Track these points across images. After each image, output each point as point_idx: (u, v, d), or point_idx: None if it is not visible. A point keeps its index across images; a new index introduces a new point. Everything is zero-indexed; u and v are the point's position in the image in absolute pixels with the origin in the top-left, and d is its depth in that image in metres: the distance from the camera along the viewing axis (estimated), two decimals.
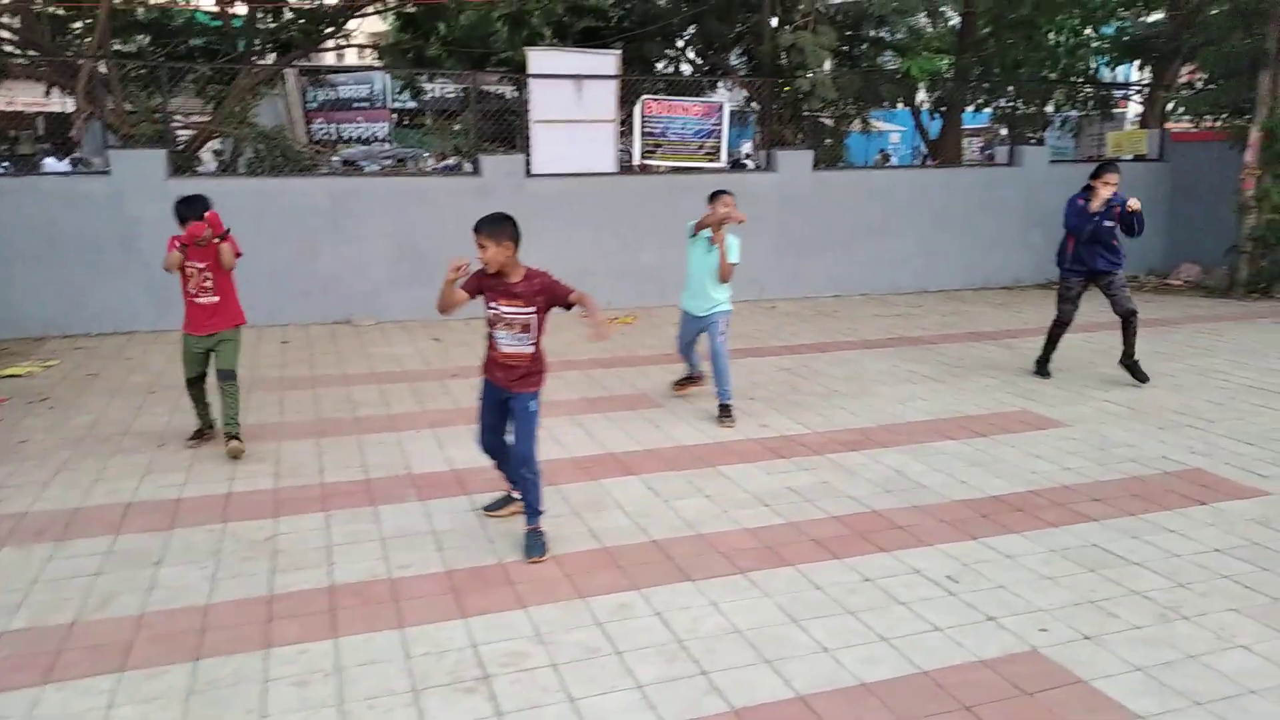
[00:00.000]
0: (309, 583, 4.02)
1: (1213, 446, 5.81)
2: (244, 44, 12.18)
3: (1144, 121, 14.96)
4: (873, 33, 13.49)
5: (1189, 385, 7.31)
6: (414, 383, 7.44)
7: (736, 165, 16.61)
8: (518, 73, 10.90)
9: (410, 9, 14.38)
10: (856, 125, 16.49)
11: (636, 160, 11.21)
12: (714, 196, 6.32)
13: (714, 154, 11.55)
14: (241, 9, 12.75)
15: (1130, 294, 7.41)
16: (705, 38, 14.16)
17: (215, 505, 4.89)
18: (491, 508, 4.80)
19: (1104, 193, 7.05)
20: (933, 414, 6.57)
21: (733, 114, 15.06)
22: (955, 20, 14.92)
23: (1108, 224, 7.17)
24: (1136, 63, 15.49)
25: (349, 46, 15.24)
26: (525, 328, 4.25)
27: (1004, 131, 14.70)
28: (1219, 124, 12.47)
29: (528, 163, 10.50)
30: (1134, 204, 7.08)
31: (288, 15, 13.58)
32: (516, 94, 12.24)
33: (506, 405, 4.38)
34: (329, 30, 13.24)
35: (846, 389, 7.28)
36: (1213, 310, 10.72)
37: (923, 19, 14.08)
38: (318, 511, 4.82)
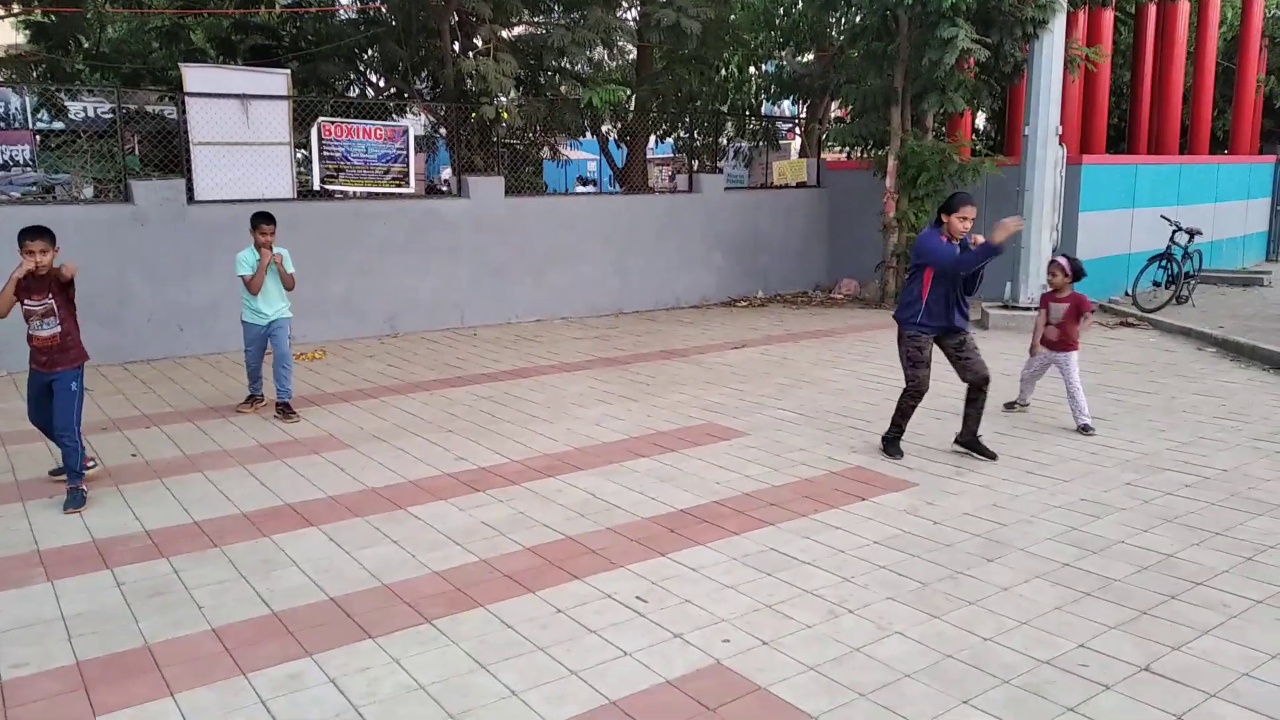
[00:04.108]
0: None
1: (870, 444, 6.37)
2: None
3: (803, 151, 16.48)
4: (554, 63, 13.77)
5: (850, 389, 8.01)
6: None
7: (433, 191, 16.27)
8: (177, 91, 9.92)
9: (41, 18, 12.69)
10: (546, 153, 16.77)
11: (317, 185, 10.58)
12: (257, 224, 6.94)
13: (401, 179, 11.18)
14: None
15: (983, 358, 6.03)
16: (387, 61, 13.73)
17: None
18: (56, 472, 5.58)
19: (959, 229, 5.70)
20: (626, 433, 6.68)
21: (422, 139, 14.76)
22: (633, 54, 15.60)
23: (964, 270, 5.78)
24: (793, 98, 17.00)
25: None
26: (50, 312, 5.18)
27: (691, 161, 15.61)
28: (863, 154, 13.96)
29: (190, 188, 9.56)
30: (1008, 227, 5.53)
31: None
32: (179, 115, 11.15)
33: (50, 388, 5.25)
34: None
35: (544, 414, 7.24)
36: (869, 320, 11.92)
37: (601, 52, 14.60)
38: None
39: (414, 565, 4.42)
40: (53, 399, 5.26)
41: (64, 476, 5.36)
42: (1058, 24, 11.08)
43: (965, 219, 5.71)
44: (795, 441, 6.45)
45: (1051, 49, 11.06)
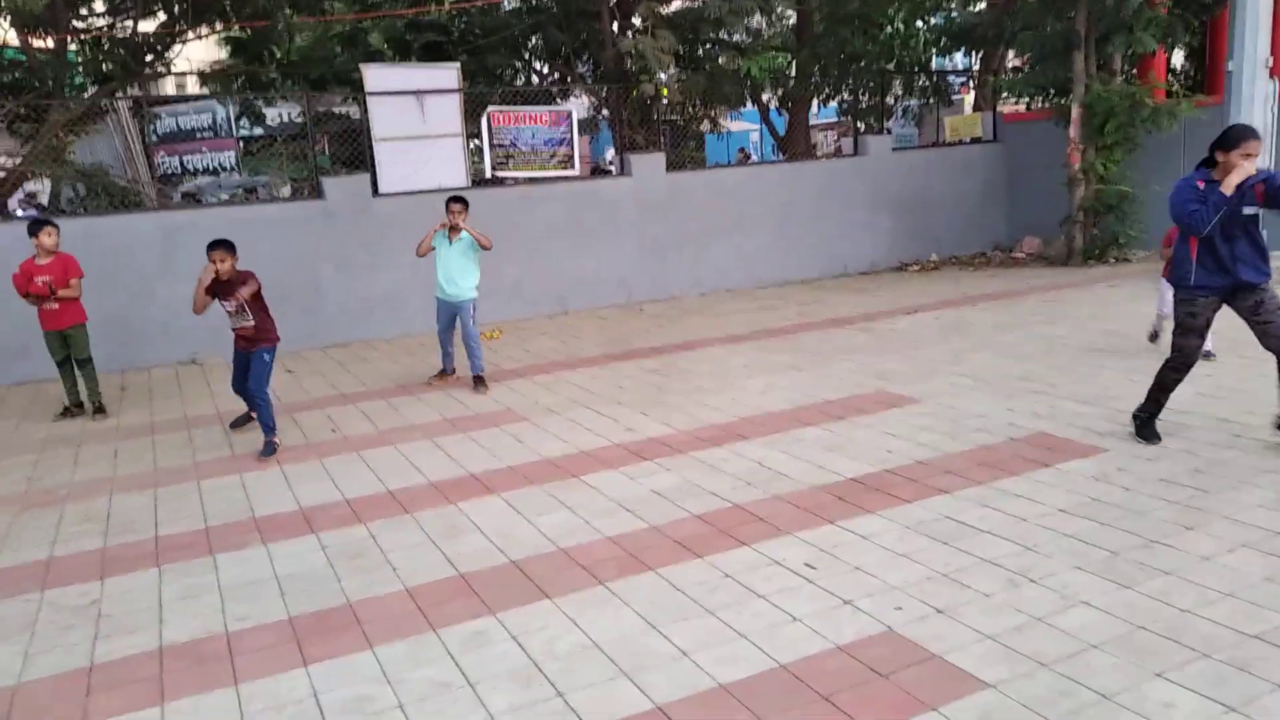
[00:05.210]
0: (136, 647, 3.70)
1: (1056, 409, 6.04)
2: (54, 78, 11.35)
3: (977, 105, 15.67)
4: (712, 35, 13.68)
5: (1033, 353, 7.61)
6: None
7: (599, 171, 16.59)
8: (359, 92, 10.57)
9: (238, 34, 13.77)
10: (706, 126, 16.71)
11: (489, 173, 11.02)
12: (448, 204, 7.58)
13: (567, 162, 11.47)
14: (49, 41, 11.87)
15: None
16: (550, 47, 14.08)
17: (31, 573, 4.48)
18: (235, 424, 6.86)
19: (1240, 170, 4.71)
20: (793, 402, 6.63)
21: (585, 122, 15.06)
22: (792, 19, 15.28)
23: (1248, 210, 4.85)
24: (965, 50, 16.19)
25: (172, 75, 14.48)
26: (241, 309, 6.15)
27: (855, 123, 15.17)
28: (1043, 104, 13.14)
29: (374, 182, 10.17)
30: None
31: (105, 45, 12.78)
32: (362, 114, 11.90)
33: (248, 361, 6.29)
34: (150, 59, 12.51)
35: (711, 385, 7.29)
36: (1054, 280, 11.26)
37: (759, 20, 14.37)
38: (149, 568, 4.48)
39: (588, 531, 4.57)
40: (249, 369, 6.29)
41: (243, 427, 6.78)
42: None
43: (1249, 155, 4.70)
44: (972, 408, 6.21)
45: None
